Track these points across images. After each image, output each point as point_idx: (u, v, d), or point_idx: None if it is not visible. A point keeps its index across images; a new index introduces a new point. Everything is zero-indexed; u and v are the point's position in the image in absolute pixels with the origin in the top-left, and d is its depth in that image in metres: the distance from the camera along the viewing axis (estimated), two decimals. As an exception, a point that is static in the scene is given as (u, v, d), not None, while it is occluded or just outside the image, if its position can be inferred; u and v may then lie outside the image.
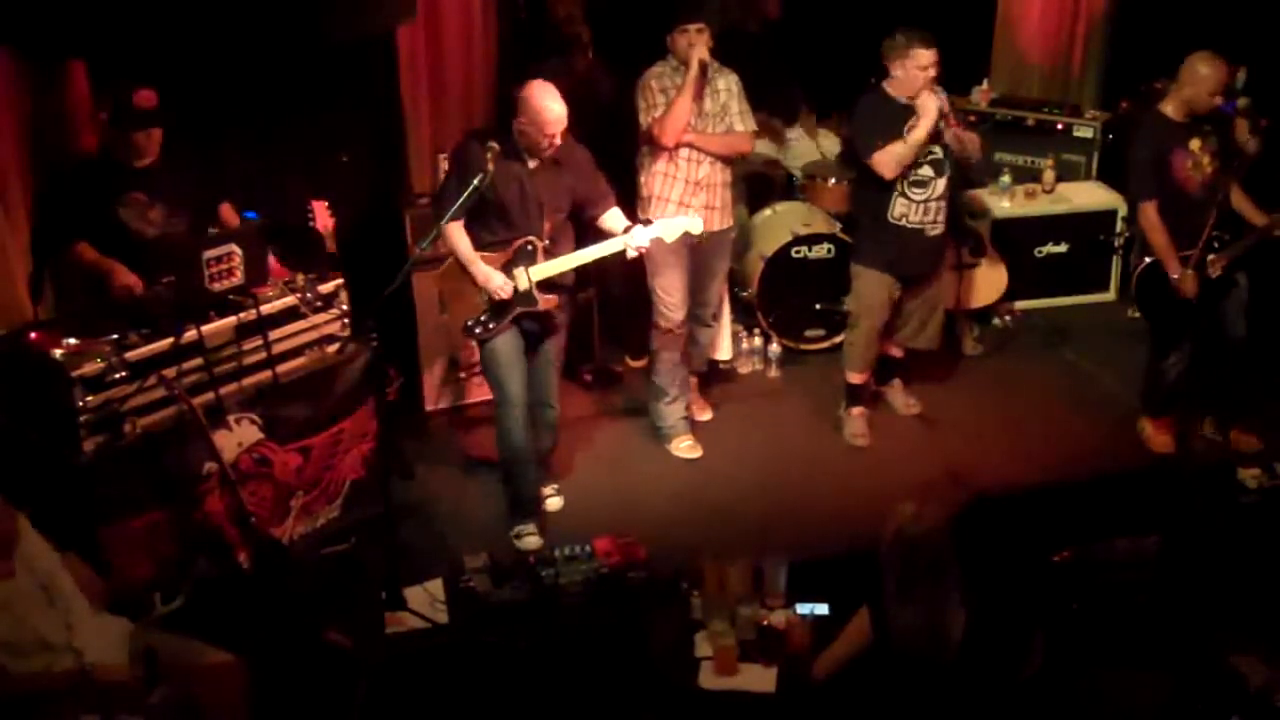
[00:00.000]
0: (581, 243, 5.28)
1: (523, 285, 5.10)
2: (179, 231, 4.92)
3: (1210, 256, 5.53)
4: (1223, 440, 5.90)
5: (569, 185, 5.16)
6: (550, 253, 5.13)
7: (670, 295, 5.80)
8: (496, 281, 5.06)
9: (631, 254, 5.18)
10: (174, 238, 4.84)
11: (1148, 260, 5.66)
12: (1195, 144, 5.54)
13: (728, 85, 5.72)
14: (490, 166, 4.83)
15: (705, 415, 6.31)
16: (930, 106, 5.51)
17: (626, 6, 6.60)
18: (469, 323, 5.16)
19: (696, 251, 5.78)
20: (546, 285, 5.14)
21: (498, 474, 5.50)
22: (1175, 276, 5.52)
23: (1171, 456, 5.88)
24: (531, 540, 5.34)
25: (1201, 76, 5.47)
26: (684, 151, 5.65)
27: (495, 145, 4.88)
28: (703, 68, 5.54)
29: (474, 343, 5.30)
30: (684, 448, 6.01)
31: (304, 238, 5.19)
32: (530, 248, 5.09)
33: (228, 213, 5.21)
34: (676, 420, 6.03)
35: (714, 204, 5.75)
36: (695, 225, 5.36)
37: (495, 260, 5.10)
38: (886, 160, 5.55)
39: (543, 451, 5.57)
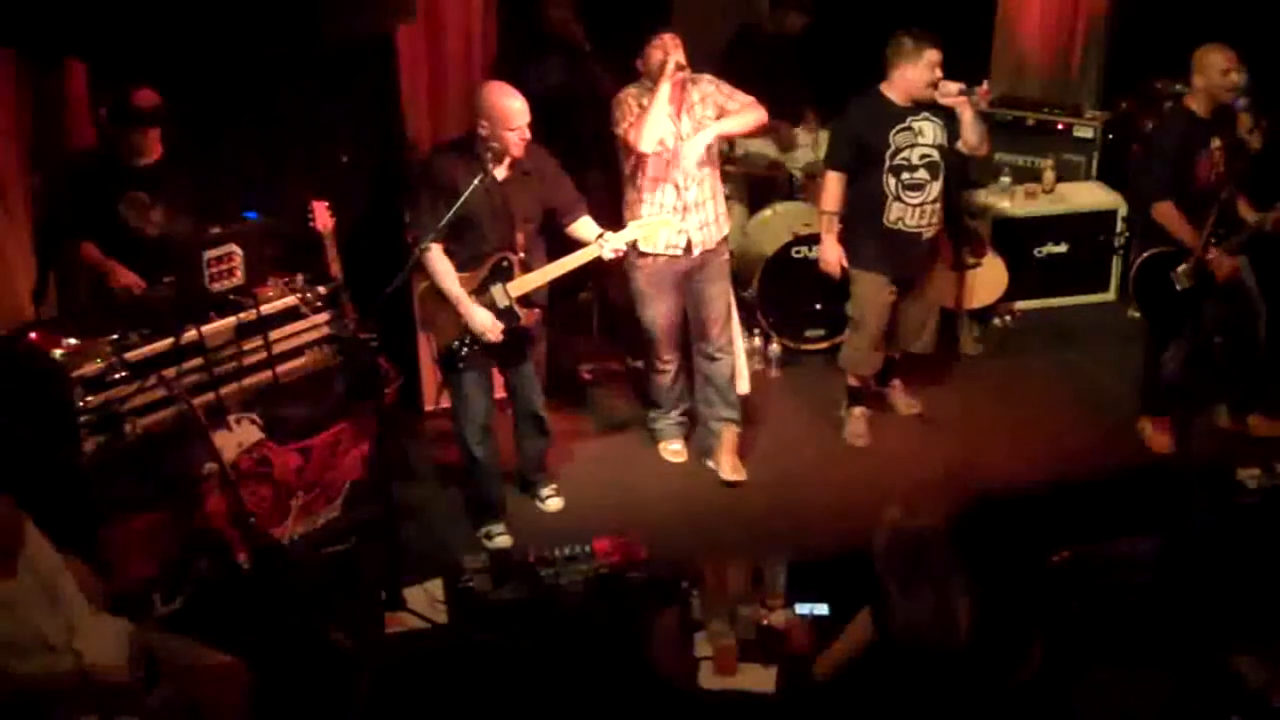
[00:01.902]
0: (553, 254, 5.19)
1: (503, 303, 5.04)
2: (180, 231, 4.92)
3: (1210, 255, 5.54)
4: (1242, 428, 5.91)
5: (539, 194, 5.10)
6: (525, 266, 5.07)
7: (659, 330, 5.70)
8: (486, 323, 4.99)
9: (609, 256, 5.13)
10: (175, 237, 4.84)
11: (1145, 254, 5.67)
12: (1216, 142, 5.59)
13: (702, 94, 5.50)
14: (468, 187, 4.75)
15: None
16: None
17: (626, 6, 6.57)
18: (454, 345, 5.08)
19: (692, 275, 5.66)
20: (524, 299, 5.09)
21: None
22: (1211, 257, 5.53)
23: (1171, 456, 5.88)
24: (502, 539, 5.34)
25: (1211, 62, 5.53)
26: (673, 176, 5.46)
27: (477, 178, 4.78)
28: (680, 69, 5.30)
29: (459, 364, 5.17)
30: (671, 451, 5.99)
31: (304, 239, 5.19)
32: (506, 263, 5.03)
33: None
34: (667, 425, 6.01)
35: (707, 220, 5.60)
36: (671, 224, 5.35)
37: (471, 280, 5.03)
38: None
39: (538, 453, 5.58)
